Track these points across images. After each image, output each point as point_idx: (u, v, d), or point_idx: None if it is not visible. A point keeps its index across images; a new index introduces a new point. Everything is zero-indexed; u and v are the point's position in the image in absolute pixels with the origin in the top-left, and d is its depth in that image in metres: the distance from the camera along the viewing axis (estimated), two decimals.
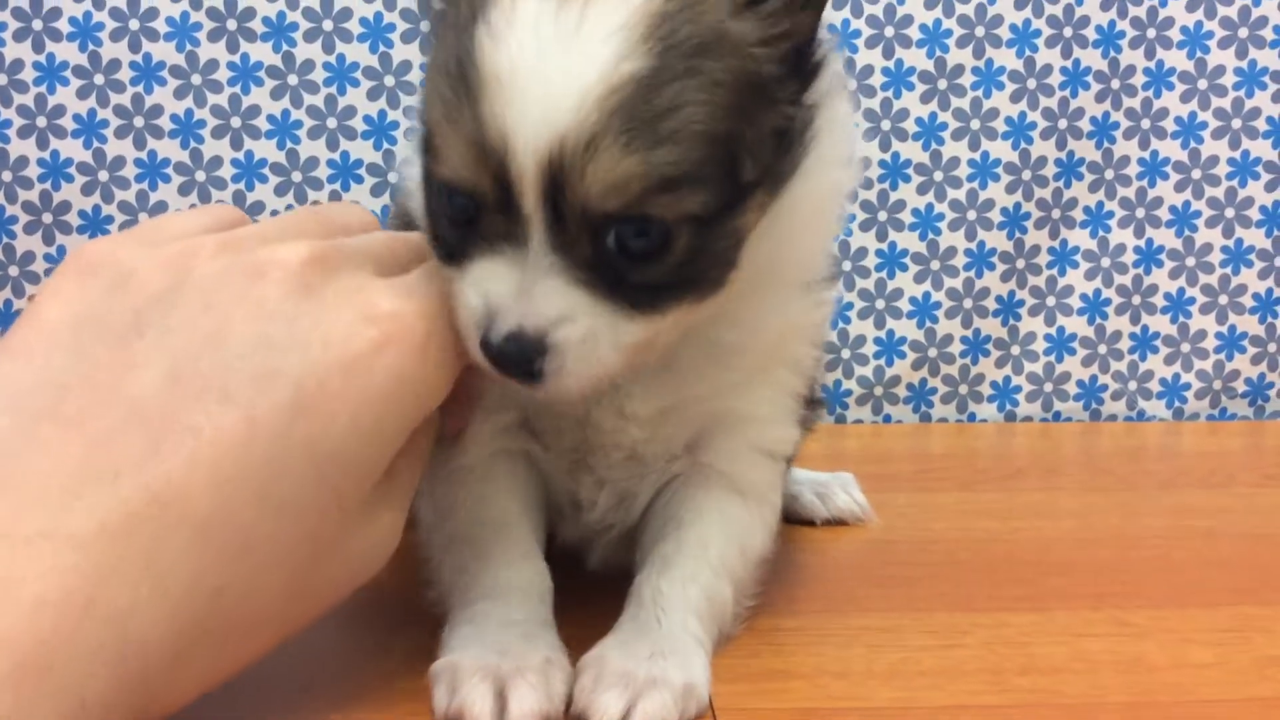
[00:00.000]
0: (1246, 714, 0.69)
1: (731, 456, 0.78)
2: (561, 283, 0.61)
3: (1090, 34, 1.37)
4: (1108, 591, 0.86)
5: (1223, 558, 0.96)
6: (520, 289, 0.61)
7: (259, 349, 0.57)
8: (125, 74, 1.29)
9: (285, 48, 1.30)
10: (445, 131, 0.61)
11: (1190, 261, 1.44)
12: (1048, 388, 1.45)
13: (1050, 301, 1.43)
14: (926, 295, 1.42)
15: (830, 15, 1.31)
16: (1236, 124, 1.41)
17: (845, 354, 1.42)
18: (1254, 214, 1.43)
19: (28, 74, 1.28)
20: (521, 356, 0.61)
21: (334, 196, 1.33)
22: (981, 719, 0.67)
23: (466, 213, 0.63)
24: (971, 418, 1.45)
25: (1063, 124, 1.39)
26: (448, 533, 0.76)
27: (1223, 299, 1.45)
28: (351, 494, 0.60)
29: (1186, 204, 1.43)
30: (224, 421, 0.55)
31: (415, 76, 1.31)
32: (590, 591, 0.76)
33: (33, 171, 1.29)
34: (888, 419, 1.45)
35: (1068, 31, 1.37)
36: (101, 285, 0.59)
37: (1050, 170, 1.40)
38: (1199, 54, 1.40)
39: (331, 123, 1.32)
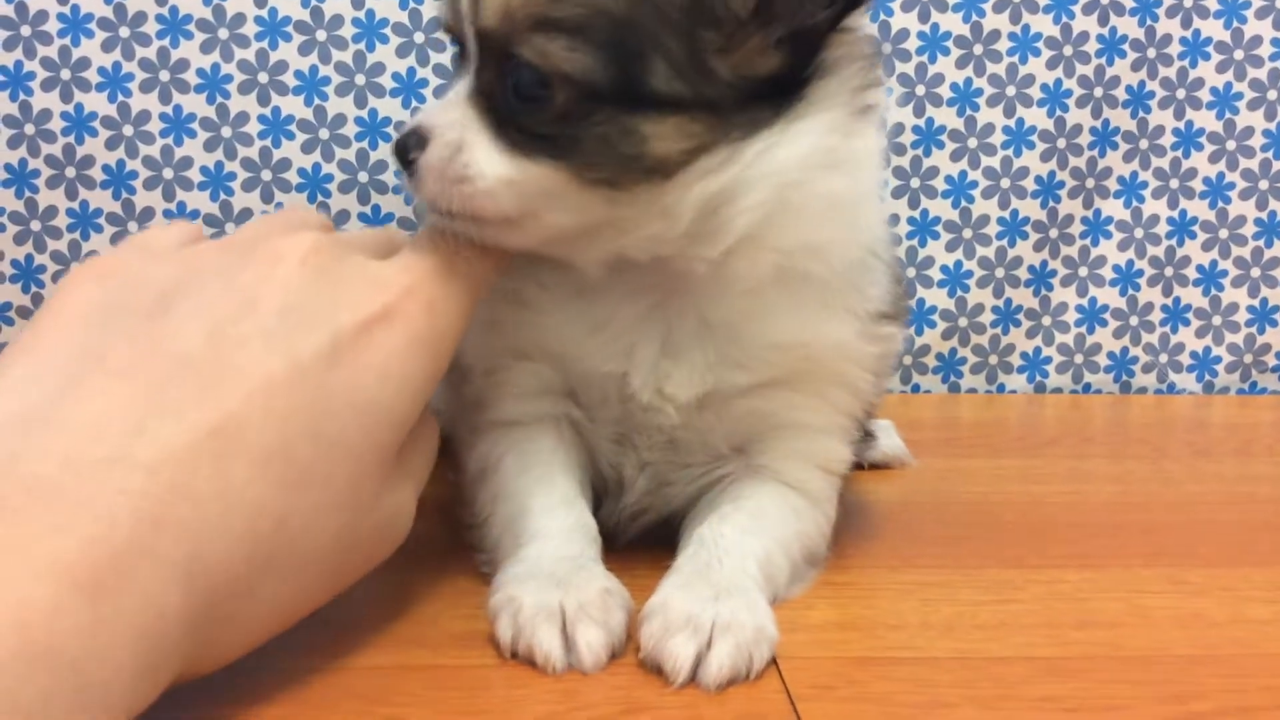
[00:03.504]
0: None
1: (786, 461, 0.78)
2: (465, 101, 0.69)
3: (1127, 1, 1.36)
4: (1159, 551, 0.86)
5: (1266, 522, 0.95)
6: (441, 103, 0.71)
7: (289, 313, 0.60)
8: (151, 27, 1.27)
9: (313, 2, 1.28)
10: None
11: (1223, 234, 1.43)
12: (1078, 359, 1.44)
13: (1083, 272, 1.42)
14: (958, 264, 1.40)
15: None
16: (1273, 95, 1.40)
17: None
18: None
19: (52, 26, 1.26)
20: (406, 145, 0.69)
21: (361, 155, 1.31)
22: (1041, 670, 0.66)
23: (454, 61, 0.73)
24: (1001, 389, 1.44)
25: (1098, 92, 1.37)
26: (493, 489, 0.77)
27: (1255, 272, 1.44)
28: (388, 445, 0.63)
29: (1220, 175, 1.42)
30: (271, 365, 0.57)
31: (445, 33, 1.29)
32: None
33: (56, 125, 1.27)
34: (916, 389, 1.44)
35: None
36: (118, 282, 0.61)
37: (1085, 139, 1.38)
38: (1236, 24, 1.38)
39: (360, 79, 1.30)
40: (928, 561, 0.83)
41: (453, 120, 0.69)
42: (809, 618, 0.72)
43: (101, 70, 1.27)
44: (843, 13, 0.67)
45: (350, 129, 1.31)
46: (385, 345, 0.62)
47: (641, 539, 0.80)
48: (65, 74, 1.27)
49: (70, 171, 1.28)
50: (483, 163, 0.67)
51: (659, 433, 0.77)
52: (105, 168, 1.29)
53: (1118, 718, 0.61)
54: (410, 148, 0.69)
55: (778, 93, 0.68)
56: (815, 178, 0.70)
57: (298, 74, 1.29)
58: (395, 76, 1.30)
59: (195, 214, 1.30)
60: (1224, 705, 0.62)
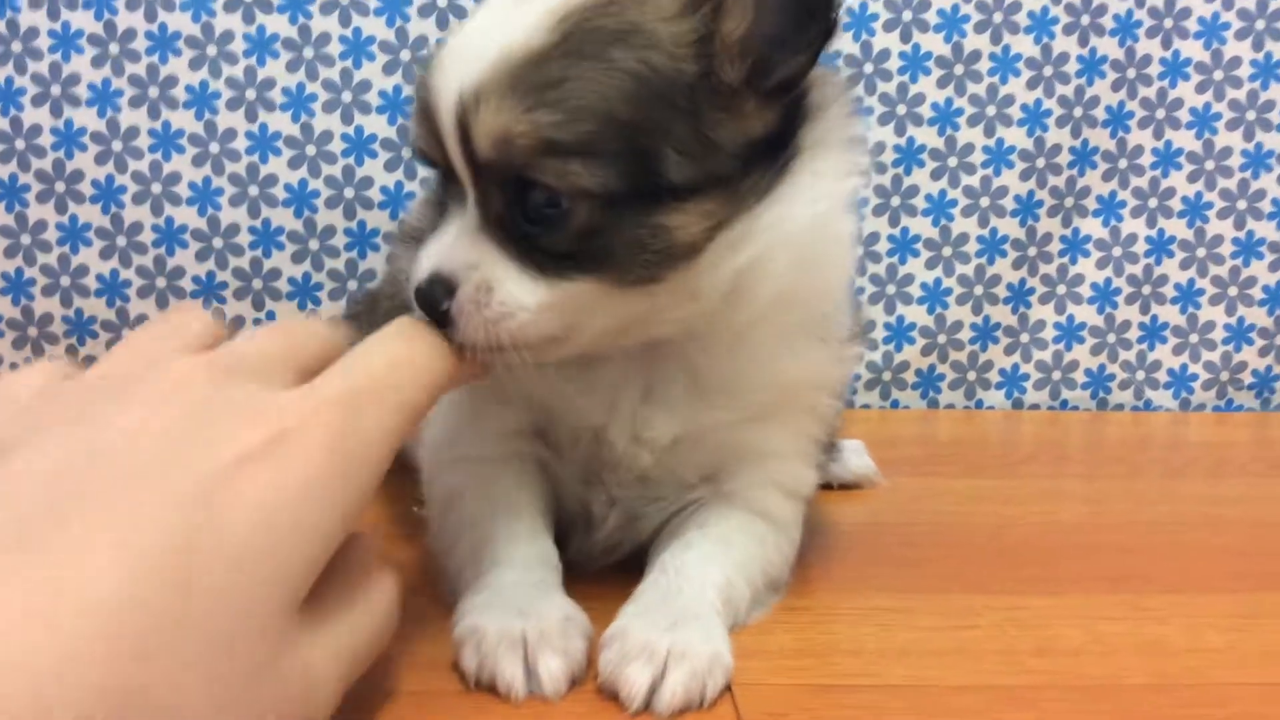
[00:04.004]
0: (1265, 697, 0.69)
1: (753, 487, 0.80)
2: (479, 236, 0.68)
3: (1107, 22, 1.37)
4: (1122, 576, 0.86)
5: (1233, 545, 0.96)
6: (449, 241, 0.68)
7: (141, 456, 0.51)
8: (140, 44, 1.28)
9: (301, 20, 1.30)
10: (414, 105, 0.70)
11: (1201, 253, 1.44)
12: (1056, 376, 1.46)
13: (1061, 290, 1.44)
14: (937, 281, 1.42)
15: (846, 0, 1.32)
16: (1251, 116, 1.41)
17: None
18: (1266, 206, 1.43)
19: (43, 41, 1.27)
20: (431, 296, 0.67)
21: (347, 171, 1.32)
22: (997, 699, 0.67)
23: (439, 186, 0.71)
24: (979, 405, 1.45)
25: (1078, 112, 1.39)
26: (458, 520, 0.78)
27: (1232, 290, 1.45)
28: (278, 601, 0.52)
29: (1199, 195, 1.43)
30: (119, 508, 0.48)
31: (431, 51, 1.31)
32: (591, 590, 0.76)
33: (46, 140, 1.29)
34: (895, 404, 1.45)
35: (1085, 19, 1.37)
36: None
37: (1064, 158, 1.40)
38: (1215, 45, 1.40)
39: (347, 96, 1.31)
40: (889, 585, 0.83)
41: (473, 260, 0.67)
42: (766, 644, 0.73)
43: (91, 86, 1.29)
44: (819, 50, 0.68)
45: (337, 145, 1.32)
46: (268, 487, 0.51)
47: (609, 564, 0.82)
48: (55, 90, 1.28)
49: (60, 186, 1.30)
50: (519, 295, 0.67)
51: (629, 471, 0.79)
52: (94, 182, 1.30)
53: None
54: (439, 298, 0.67)
55: (774, 148, 0.70)
56: (826, 226, 0.73)
57: (285, 91, 1.31)
58: (382, 94, 1.32)
59: (183, 229, 1.31)
60: None
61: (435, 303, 0.67)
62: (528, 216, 0.66)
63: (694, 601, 0.70)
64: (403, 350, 0.62)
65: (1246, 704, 0.68)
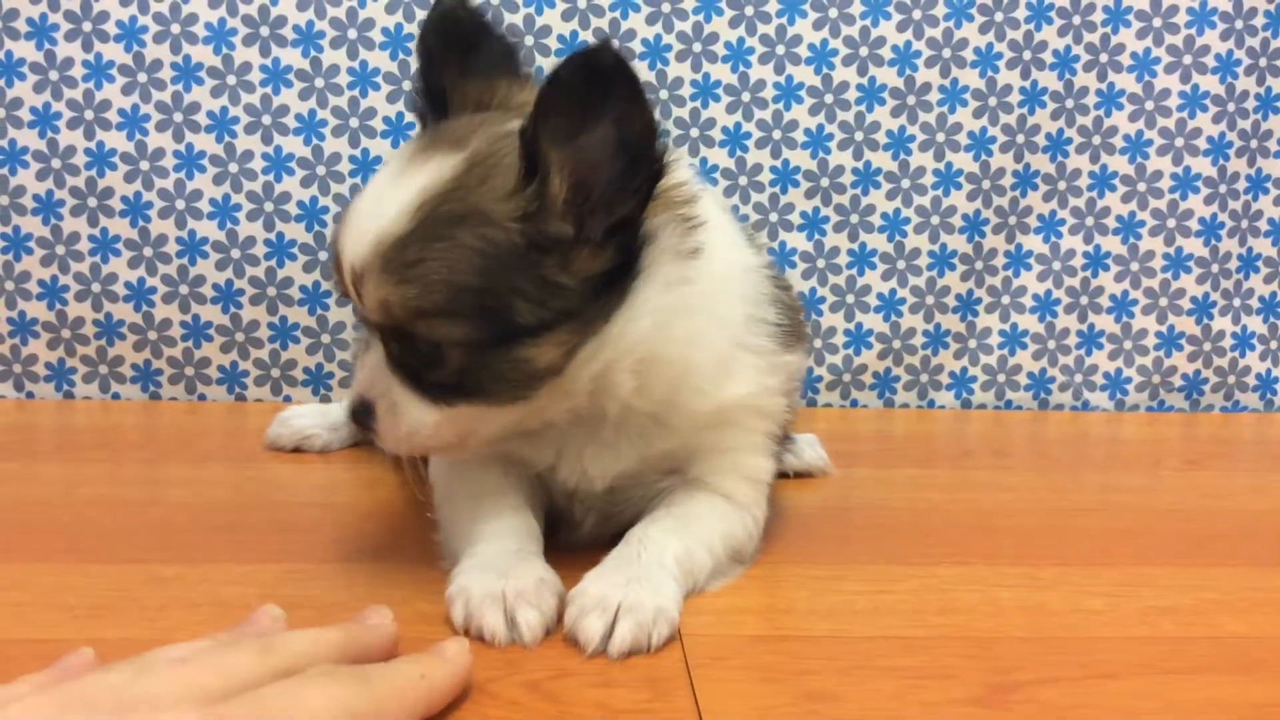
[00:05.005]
0: (1125, 649, 0.81)
1: (716, 474, 0.94)
2: (386, 369, 0.84)
3: (1048, 57, 1.50)
4: (1025, 552, 0.99)
5: (1130, 527, 1.10)
6: (368, 370, 0.86)
7: None
8: (166, 73, 1.42)
9: (313, 53, 1.43)
10: (329, 259, 0.90)
11: (1134, 266, 1.58)
12: (1001, 379, 1.59)
13: (1005, 300, 1.57)
14: (892, 292, 1.55)
15: (808, 36, 1.45)
16: (1179, 142, 1.55)
17: (817, 344, 1.55)
18: (1193, 224, 1.57)
19: (77, 71, 1.40)
20: (360, 415, 0.86)
21: (354, 189, 1.45)
22: (900, 647, 0.80)
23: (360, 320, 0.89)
24: (931, 404, 1.59)
25: (1020, 139, 1.52)
26: (456, 506, 0.92)
27: (1163, 301, 1.59)
28: None
29: (1132, 214, 1.56)
30: None
31: None
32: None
33: (80, 160, 1.42)
34: (854, 404, 1.58)
35: (1027, 55, 1.50)
36: None
37: (1008, 181, 1.53)
38: (1147, 77, 1.53)
39: (354, 122, 1.44)
40: (827, 558, 0.96)
41: (382, 389, 0.84)
42: (716, 604, 0.86)
43: (121, 111, 1.42)
44: (649, 192, 0.81)
45: (345, 166, 1.45)
46: None
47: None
48: (89, 114, 1.41)
49: (92, 202, 1.43)
50: (416, 416, 0.83)
51: (591, 492, 0.93)
52: (124, 199, 1.43)
53: (949, 684, 0.74)
54: (364, 417, 0.85)
55: (620, 273, 0.82)
56: (669, 326, 0.84)
57: (298, 117, 1.44)
58: (385, 120, 1.45)
59: (205, 240, 1.44)
60: (1039, 676, 0.76)
61: (362, 420, 0.86)
62: (417, 359, 0.82)
63: (650, 565, 0.83)
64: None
65: (1109, 654, 0.80)
